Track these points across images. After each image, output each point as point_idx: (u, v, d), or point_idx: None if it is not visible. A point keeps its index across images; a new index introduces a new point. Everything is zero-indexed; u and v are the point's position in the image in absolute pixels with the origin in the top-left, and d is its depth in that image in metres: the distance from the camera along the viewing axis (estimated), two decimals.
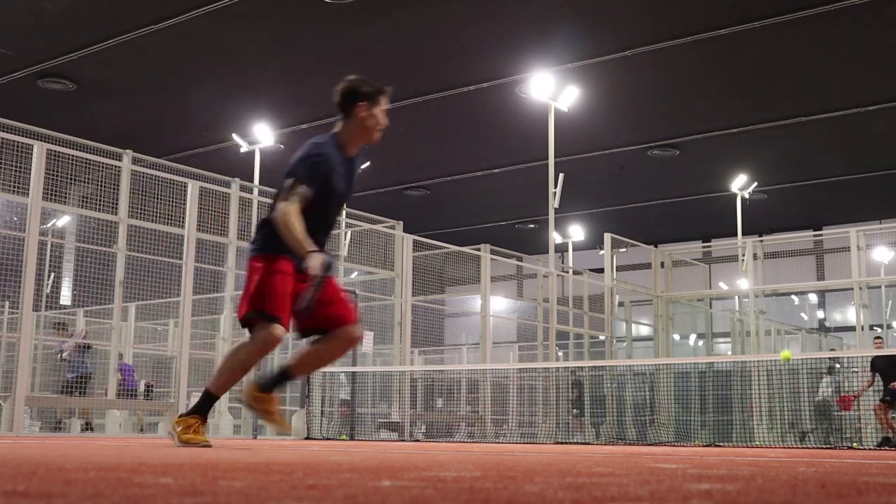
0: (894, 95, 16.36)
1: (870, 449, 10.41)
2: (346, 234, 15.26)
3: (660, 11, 13.51)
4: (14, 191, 10.21)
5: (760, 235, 23.50)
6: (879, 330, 19.30)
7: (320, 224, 5.12)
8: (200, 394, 5.18)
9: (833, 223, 24.27)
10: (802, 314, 26.39)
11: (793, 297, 25.50)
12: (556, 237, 18.86)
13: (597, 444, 11.29)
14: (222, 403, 12.83)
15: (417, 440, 12.25)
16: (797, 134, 18.24)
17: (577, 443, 11.99)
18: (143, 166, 12.45)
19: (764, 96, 16.60)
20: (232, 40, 14.63)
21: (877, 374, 12.73)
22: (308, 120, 18.13)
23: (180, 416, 5.21)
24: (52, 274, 14.57)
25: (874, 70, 15.47)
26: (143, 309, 14.35)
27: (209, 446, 4.89)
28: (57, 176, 10.60)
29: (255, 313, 4.90)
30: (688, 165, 20.53)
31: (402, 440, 12.18)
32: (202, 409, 5.09)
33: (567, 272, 21.98)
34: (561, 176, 15.11)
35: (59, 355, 11.89)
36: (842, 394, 12.84)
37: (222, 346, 13.21)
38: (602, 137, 18.82)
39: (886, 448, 11.32)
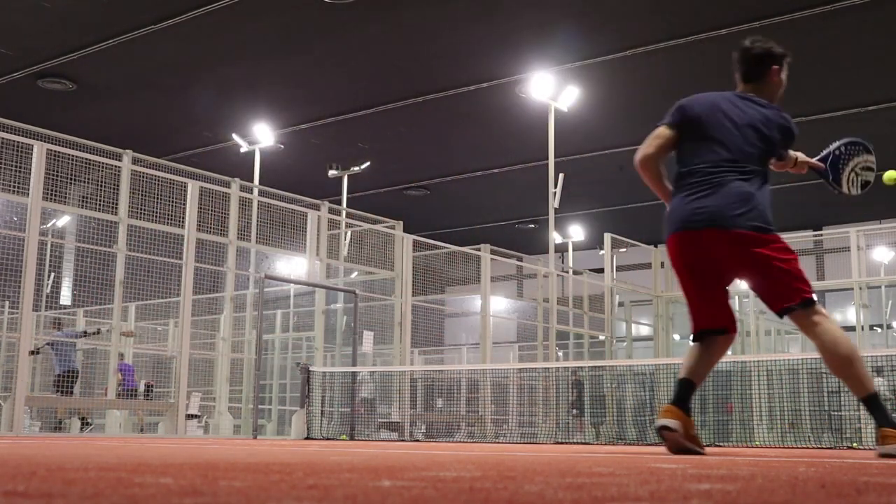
0: (894, 95, 16.36)
1: (870, 449, 10.41)
2: (346, 234, 15.26)
3: (660, 11, 13.52)
4: (14, 191, 10.21)
5: None
6: (879, 330, 19.31)
7: None
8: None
9: (833, 223, 24.27)
10: None
11: None
12: (556, 237, 18.87)
13: (597, 444, 11.29)
14: (222, 403, 12.83)
15: (417, 440, 12.25)
16: (797, 134, 18.25)
17: (577, 443, 11.99)
18: (143, 166, 12.45)
19: None
20: (232, 40, 14.63)
21: None
22: (308, 120, 18.13)
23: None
24: (52, 274, 14.58)
25: (874, 70, 15.48)
26: (143, 309, 14.35)
27: None
28: (57, 176, 10.61)
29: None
30: None
31: (402, 440, 12.18)
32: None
33: (567, 272, 21.98)
34: (561, 176, 15.11)
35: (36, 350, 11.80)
36: None
37: (222, 346, 13.22)
38: (602, 137, 18.82)
39: None
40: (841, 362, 4.64)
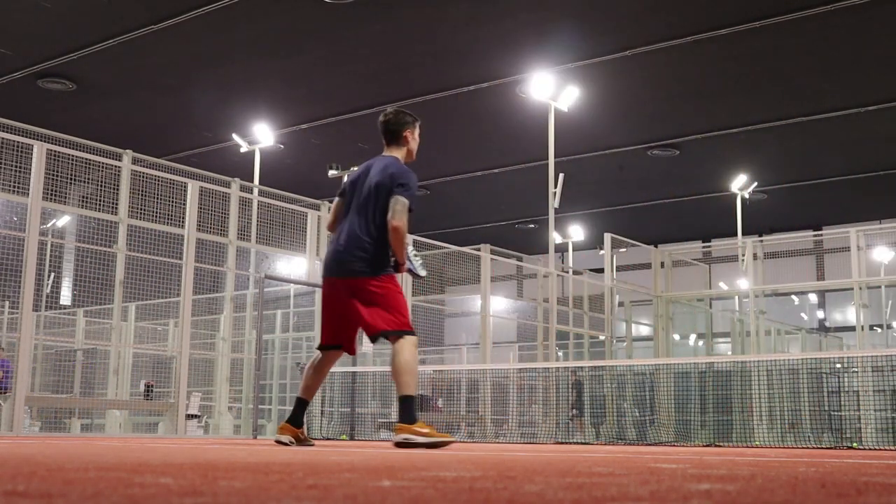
0: (894, 95, 16.36)
1: (870, 449, 10.41)
2: None
3: (660, 11, 13.51)
4: (14, 191, 10.21)
5: (760, 235, 23.52)
6: (879, 330, 19.31)
7: None
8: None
9: (833, 223, 24.28)
10: (802, 314, 26.40)
11: (793, 297, 25.51)
12: (556, 237, 18.86)
13: (597, 444, 11.28)
14: (222, 403, 12.83)
15: None
16: (797, 134, 18.25)
17: (577, 443, 11.99)
18: (143, 166, 12.45)
19: (764, 96, 16.60)
20: (232, 40, 14.63)
21: None
22: (308, 120, 18.13)
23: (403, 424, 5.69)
24: (52, 274, 14.57)
25: (874, 70, 15.47)
26: (143, 309, 14.35)
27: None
28: (57, 176, 10.60)
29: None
30: (688, 165, 20.54)
31: None
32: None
33: (567, 272, 21.97)
34: (561, 176, 15.11)
35: None
36: None
37: (222, 346, 13.22)
38: (602, 137, 18.82)
39: None
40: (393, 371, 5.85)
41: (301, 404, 6.14)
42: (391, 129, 6.14)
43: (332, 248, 6.06)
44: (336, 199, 6.24)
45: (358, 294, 5.84)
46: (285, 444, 5.88)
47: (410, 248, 6.21)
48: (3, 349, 13.10)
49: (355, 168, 18.83)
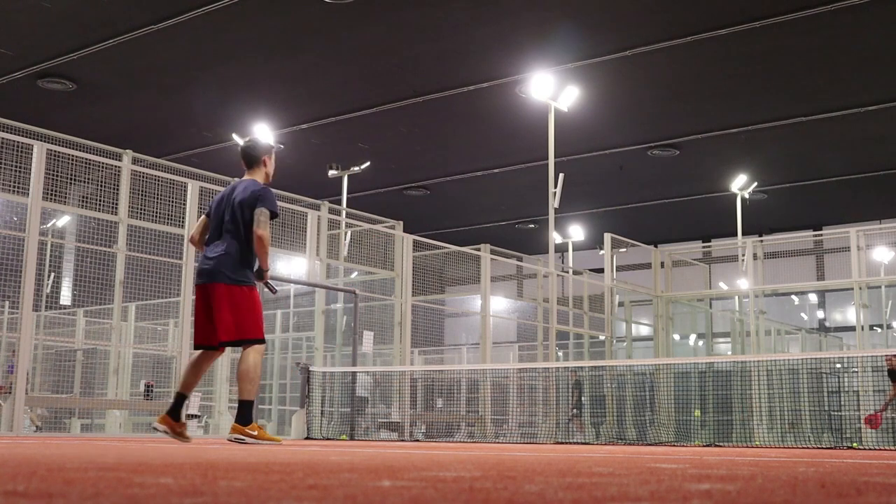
0: (894, 95, 16.36)
1: (870, 449, 10.41)
2: (346, 234, 15.26)
3: (659, 11, 13.51)
4: (14, 191, 10.20)
5: (760, 235, 23.51)
6: (879, 330, 19.31)
7: None
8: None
9: (833, 223, 24.27)
10: (802, 314, 26.40)
11: (793, 297, 25.51)
12: (556, 237, 18.86)
13: (597, 444, 11.29)
14: (222, 403, 12.83)
15: (417, 440, 12.25)
16: (797, 134, 18.25)
17: (577, 443, 11.99)
18: (143, 166, 12.45)
19: (764, 96, 16.60)
20: (232, 40, 14.63)
21: None
22: (308, 120, 18.13)
23: (237, 424, 6.54)
24: (52, 274, 14.57)
25: (874, 70, 15.47)
26: (143, 309, 14.35)
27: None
28: (57, 176, 10.60)
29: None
30: (688, 165, 20.53)
31: (402, 440, 12.18)
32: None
33: (567, 272, 21.98)
34: (561, 176, 15.11)
35: None
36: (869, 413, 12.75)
37: None
38: (602, 137, 18.82)
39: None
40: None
41: (179, 398, 6.61)
42: (251, 155, 6.77)
43: (202, 259, 6.65)
44: (202, 218, 6.86)
45: (221, 301, 6.43)
46: (162, 433, 6.54)
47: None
48: None
49: (356, 168, 18.75)
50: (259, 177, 6.73)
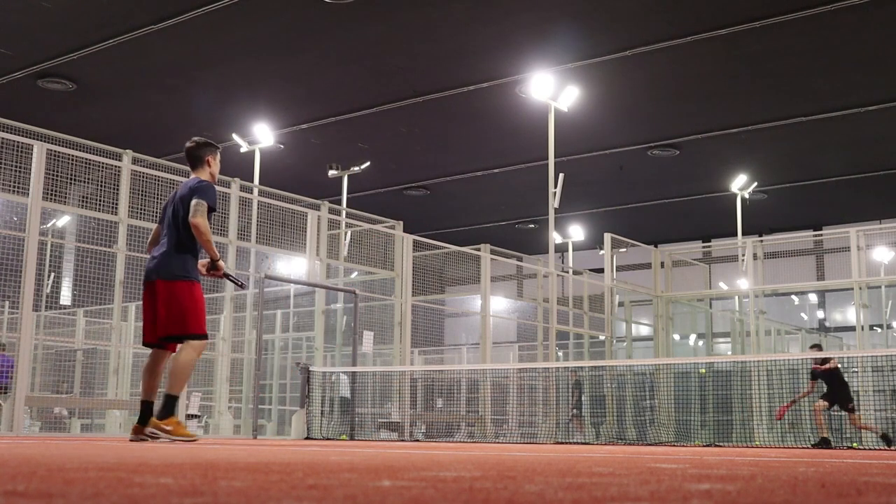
0: (894, 95, 16.36)
1: (870, 449, 10.41)
2: (346, 234, 15.26)
3: (659, 11, 13.51)
4: (14, 191, 10.20)
5: (760, 235, 23.51)
6: (879, 330, 19.30)
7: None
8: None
9: (833, 223, 24.27)
10: (802, 314, 26.40)
11: (793, 297, 25.51)
12: (556, 237, 18.86)
13: (597, 444, 11.28)
14: (222, 403, 12.83)
15: (417, 440, 12.25)
16: (797, 134, 18.24)
17: (577, 443, 11.99)
18: (143, 166, 12.45)
19: (764, 96, 16.60)
20: (232, 40, 14.63)
21: (817, 382, 12.85)
22: (308, 120, 18.13)
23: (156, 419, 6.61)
24: (52, 274, 14.57)
25: (874, 70, 15.47)
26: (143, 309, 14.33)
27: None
28: (57, 176, 10.60)
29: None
30: (688, 165, 20.53)
31: (402, 440, 12.18)
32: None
33: (567, 272, 21.98)
34: (561, 176, 15.11)
35: None
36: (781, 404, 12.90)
37: (222, 346, 13.21)
38: (602, 137, 18.82)
39: (824, 447, 11.50)
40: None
41: (145, 406, 6.71)
42: (195, 156, 6.90)
43: (149, 257, 6.80)
44: (156, 227, 7.01)
45: (160, 297, 6.54)
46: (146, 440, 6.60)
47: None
48: (4, 346, 13.08)
49: (356, 168, 18.77)
50: (203, 176, 6.85)
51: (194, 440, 6.67)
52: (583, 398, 15.49)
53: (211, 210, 6.58)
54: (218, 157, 7.01)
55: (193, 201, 6.49)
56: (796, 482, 2.24)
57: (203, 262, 6.83)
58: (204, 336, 6.65)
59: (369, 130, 18.48)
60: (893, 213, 21.72)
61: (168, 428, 6.49)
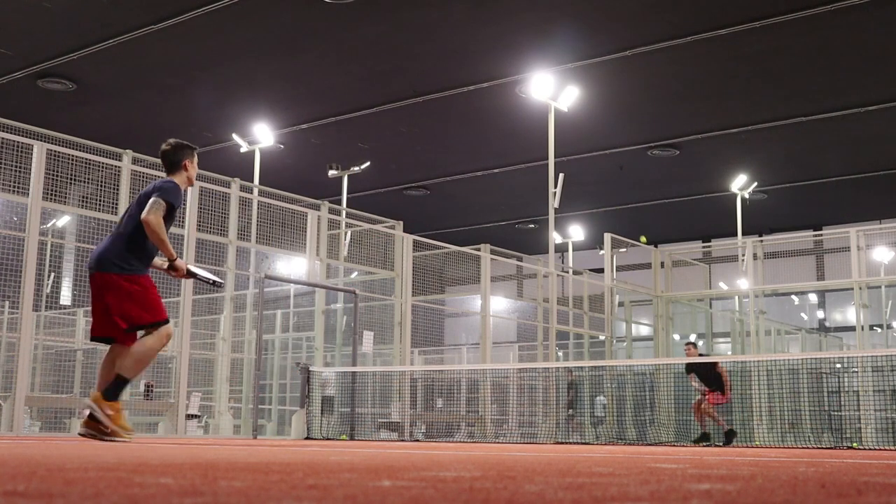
0: (894, 95, 16.36)
1: (869, 449, 10.41)
2: (346, 234, 15.26)
3: (659, 11, 13.51)
4: (14, 191, 10.20)
5: (760, 235, 23.51)
6: (879, 330, 19.29)
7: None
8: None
9: (833, 223, 24.27)
10: (802, 314, 26.40)
11: (793, 297, 25.50)
12: (556, 237, 18.86)
13: (597, 444, 11.29)
14: (222, 403, 12.83)
15: (417, 440, 12.25)
16: (797, 134, 18.24)
17: (578, 443, 11.99)
18: (143, 166, 12.44)
19: (764, 96, 16.60)
20: (232, 40, 14.63)
21: (694, 375, 13.11)
22: (308, 120, 18.13)
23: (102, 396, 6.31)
24: (52, 274, 14.56)
25: (874, 70, 15.47)
26: None
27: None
28: (57, 176, 10.60)
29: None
30: (688, 165, 20.53)
31: (402, 440, 12.18)
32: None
33: (567, 272, 21.97)
34: (561, 176, 15.11)
35: None
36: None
37: (222, 346, 13.22)
38: (602, 137, 18.82)
39: (704, 444, 11.63)
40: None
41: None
42: (172, 160, 6.71)
43: (95, 248, 6.63)
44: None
45: (111, 289, 6.32)
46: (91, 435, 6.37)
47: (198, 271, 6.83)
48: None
49: (356, 168, 18.79)
50: (179, 181, 6.63)
51: (128, 440, 6.30)
52: (577, 398, 15.48)
53: (171, 210, 6.37)
54: (195, 159, 6.82)
55: (152, 198, 6.27)
56: (796, 482, 2.24)
57: (160, 262, 6.64)
58: (165, 321, 6.39)
59: (369, 130, 18.48)
60: (893, 213, 21.71)
61: (109, 412, 6.22)
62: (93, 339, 6.59)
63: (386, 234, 15.25)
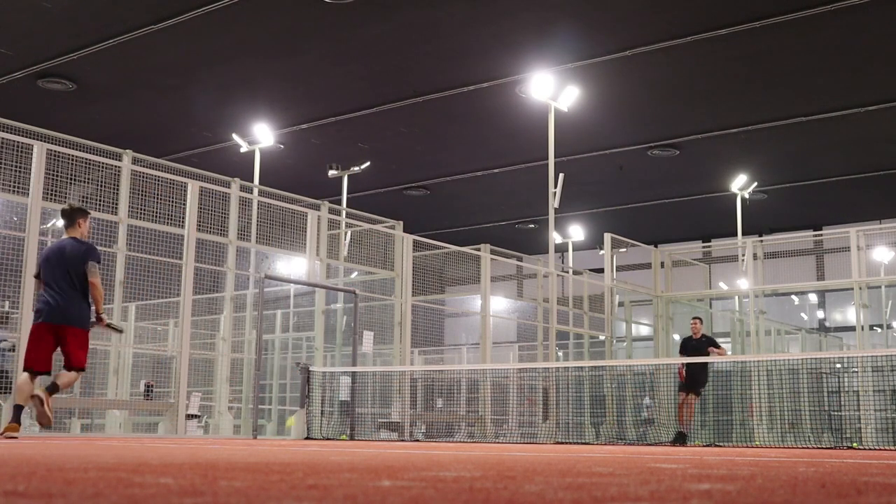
0: (894, 95, 16.35)
1: (869, 449, 10.41)
2: (346, 234, 15.26)
3: (659, 12, 13.51)
4: (14, 191, 10.20)
5: (760, 235, 23.51)
6: (879, 330, 19.30)
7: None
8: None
9: (833, 223, 24.27)
10: (802, 314, 26.39)
11: (793, 297, 25.50)
12: (556, 237, 18.86)
13: (597, 444, 11.29)
14: (222, 403, 12.83)
15: (417, 440, 12.25)
16: (797, 134, 18.24)
17: (577, 443, 11.99)
18: (143, 166, 12.44)
19: (764, 96, 16.59)
20: (232, 40, 14.63)
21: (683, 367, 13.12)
22: (308, 120, 18.13)
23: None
24: None
25: (874, 70, 15.47)
26: (143, 309, 14.35)
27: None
28: (57, 176, 10.60)
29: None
30: (688, 165, 20.53)
31: (402, 440, 12.18)
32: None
33: (567, 272, 21.97)
34: (561, 176, 15.11)
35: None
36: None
37: (222, 346, 13.22)
38: (602, 137, 18.82)
39: (680, 444, 11.64)
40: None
41: (19, 409, 7.92)
42: (70, 218, 8.29)
43: (52, 304, 8.01)
44: (35, 281, 8.49)
45: (68, 337, 7.99)
46: (16, 438, 7.44)
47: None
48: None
49: (356, 168, 18.86)
50: (77, 235, 8.24)
51: (13, 437, 7.50)
52: (549, 402, 15.39)
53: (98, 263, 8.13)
54: (88, 220, 8.39)
55: (89, 265, 8.01)
56: (796, 482, 2.24)
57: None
58: (84, 369, 8.23)
59: (369, 130, 18.47)
60: (893, 213, 21.71)
61: (48, 404, 7.72)
62: (35, 372, 7.96)
63: (386, 234, 15.25)
